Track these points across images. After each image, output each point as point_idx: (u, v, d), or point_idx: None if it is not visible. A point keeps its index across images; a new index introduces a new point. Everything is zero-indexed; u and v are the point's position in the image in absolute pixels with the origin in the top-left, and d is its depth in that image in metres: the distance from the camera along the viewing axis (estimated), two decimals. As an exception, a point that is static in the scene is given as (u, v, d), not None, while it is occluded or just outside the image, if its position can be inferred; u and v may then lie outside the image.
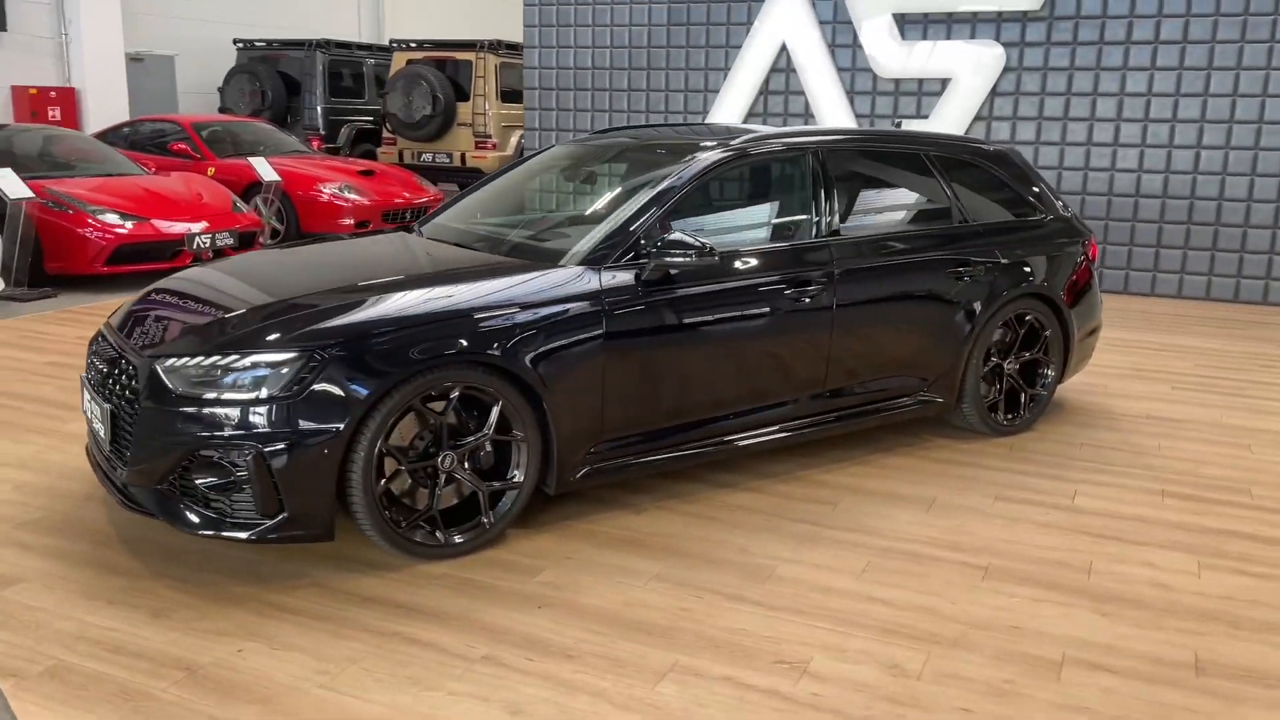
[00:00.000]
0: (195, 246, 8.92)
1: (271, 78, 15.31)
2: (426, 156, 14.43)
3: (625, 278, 3.90)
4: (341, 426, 3.28)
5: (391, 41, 15.28)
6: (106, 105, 14.61)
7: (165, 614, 3.17)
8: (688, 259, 3.92)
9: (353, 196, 11.02)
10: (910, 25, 9.93)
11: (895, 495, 4.32)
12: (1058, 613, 3.34)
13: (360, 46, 16.17)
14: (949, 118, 9.84)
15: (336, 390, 3.29)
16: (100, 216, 8.58)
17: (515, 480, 3.70)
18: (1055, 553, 3.80)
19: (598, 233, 4.02)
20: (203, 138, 11.75)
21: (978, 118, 9.80)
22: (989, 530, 3.99)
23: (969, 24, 9.73)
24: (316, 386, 3.28)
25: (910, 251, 4.71)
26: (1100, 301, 5.58)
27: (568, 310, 3.73)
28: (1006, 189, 5.25)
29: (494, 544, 3.70)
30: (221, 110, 15.58)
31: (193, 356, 3.37)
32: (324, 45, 15.46)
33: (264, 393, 3.27)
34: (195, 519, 3.34)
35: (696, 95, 10.90)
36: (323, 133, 15.36)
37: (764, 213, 4.92)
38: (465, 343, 3.49)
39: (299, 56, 15.47)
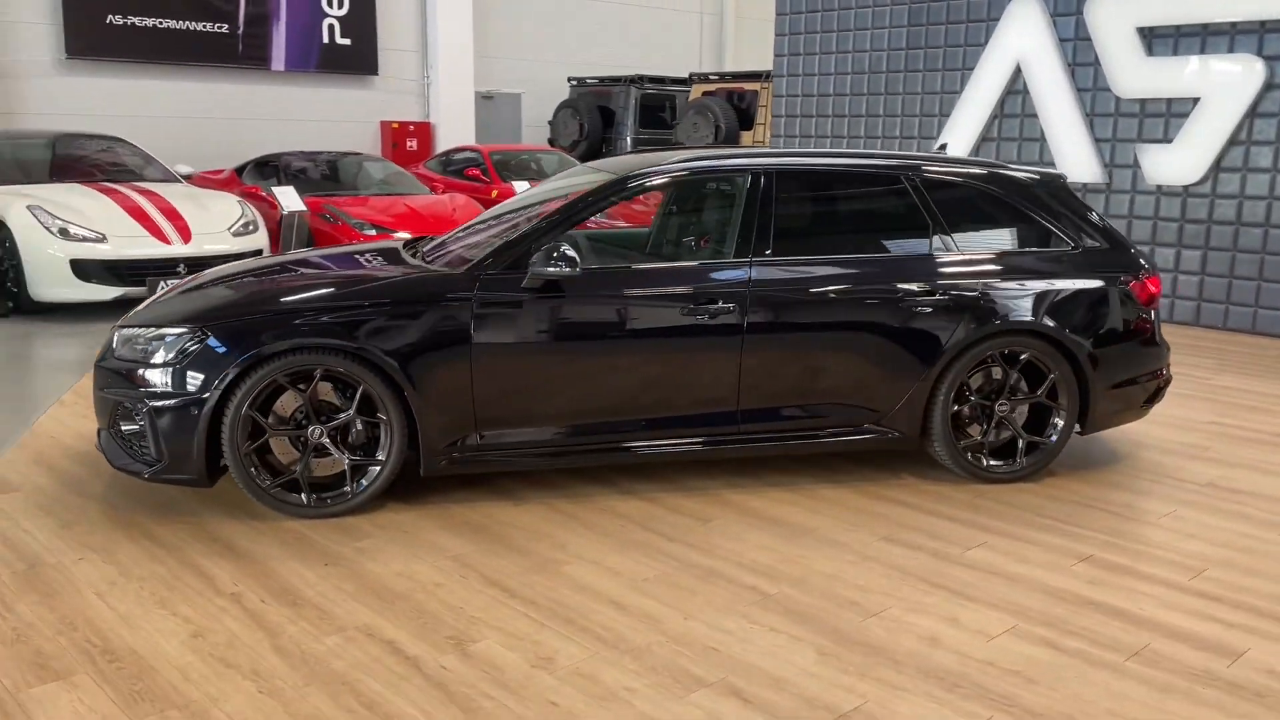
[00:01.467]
0: (433, 257, 10.24)
1: (590, 111, 16.79)
2: (712, 183, 15.05)
3: (504, 285, 4.23)
4: (207, 392, 3.98)
5: (690, 75, 16.15)
6: (456, 137, 16.86)
7: (70, 525, 4.05)
8: (560, 270, 4.18)
9: (600, 217, 11.91)
10: (1159, 39, 8.95)
11: (777, 521, 4.23)
12: (776, 645, 3.22)
13: (673, 81, 17.19)
14: (1196, 141, 8.75)
15: (207, 361, 4.00)
16: (361, 229, 10.16)
17: (378, 458, 4.20)
18: (861, 594, 3.58)
19: (497, 244, 4.40)
20: (510, 166, 13.35)
21: (1233, 141, 8.60)
22: (827, 566, 3.82)
23: (1226, 36, 8.58)
24: (194, 357, 4.01)
25: (851, 277, 4.54)
26: (1157, 347, 4.91)
27: (433, 310, 4.15)
28: (1022, 217, 4.82)
29: (360, 511, 4.21)
30: (550, 141, 17.33)
31: (131, 328, 4.24)
32: (638, 81, 16.68)
33: (159, 359, 4.06)
34: (116, 457, 4.20)
35: (930, 120, 10.55)
36: (631, 161, 16.54)
37: (687, 232, 4.97)
38: (322, 331, 4.05)
39: (617, 91, 16.82)
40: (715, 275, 4.45)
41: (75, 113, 13.48)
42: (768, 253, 4.50)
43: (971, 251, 4.71)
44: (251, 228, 9.30)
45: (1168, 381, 5.02)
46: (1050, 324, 4.63)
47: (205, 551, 3.84)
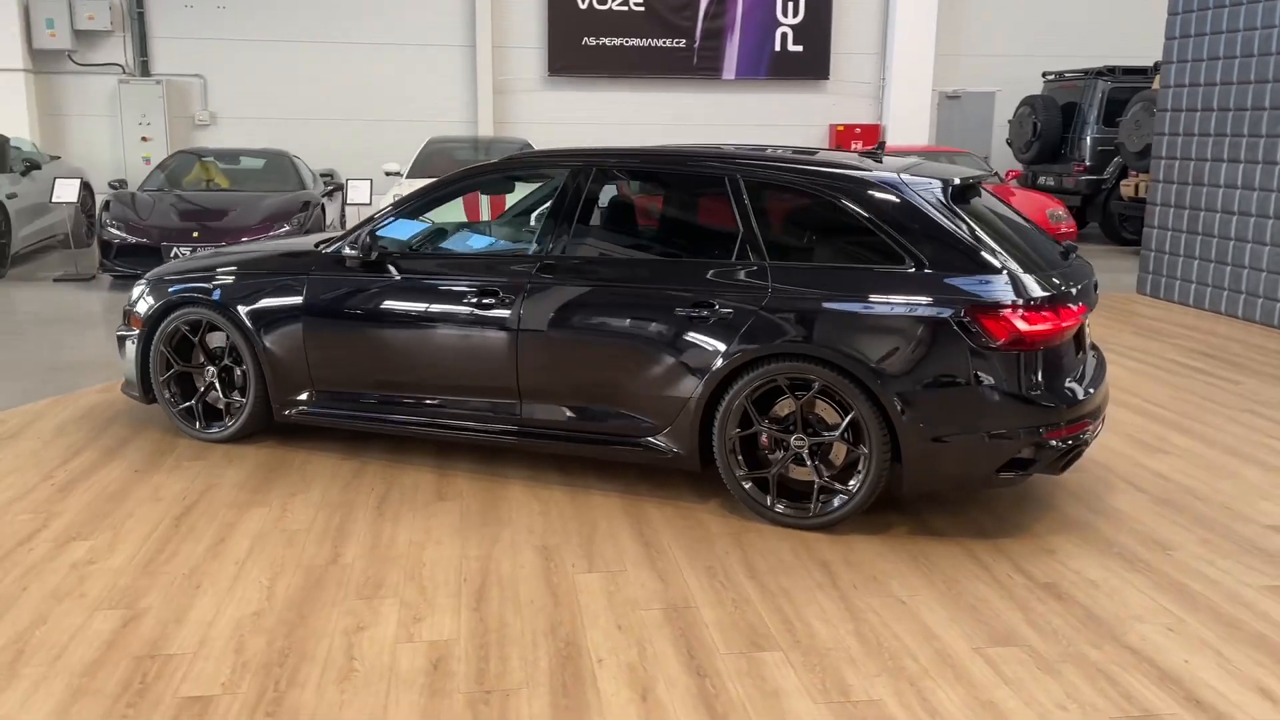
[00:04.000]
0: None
1: (1047, 109, 15.30)
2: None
3: (332, 265, 4.85)
4: (138, 330, 5.22)
5: (1155, 63, 13.90)
6: (907, 137, 16.59)
7: (79, 419, 5.57)
8: (354, 254, 4.70)
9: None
10: None
11: (498, 514, 4.29)
12: (245, 598, 3.52)
13: (1156, 71, 14.90)
14: None
15: (142, 307, 5.24)
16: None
17: (242, 401, 5.09)
18: (401, 581, 3.64)
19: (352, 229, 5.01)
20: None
21: None
22: (435, 555, 3.89)
23: None
24: (140, 303, 5.28)
25: (629, 279, 4.29)
26: (1027, 402, 3.82)
27: (274, 281, 4.93)
28: (860, 229, 4.06)
29: (237, 440, 5.13)
30: (1007, 143, 16.15)
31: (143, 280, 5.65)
32: (1107, 72, 14.81)
33: (132, 302, 5.40)
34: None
35: (1316, 113, 8.21)
36: (1088, 164, 14.85)
37: (519, 225, 4.94)
38: (201, 289, 5.05)
39: (1084, 85, 15.12)
40: (500, 268, 4.56)
41: (553, 122, 16.03)
42: (557, 250, 4.48)
43: (774, 262, 4.14)
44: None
45: (1056, 450, 3.87)
46: (840, 351, 3.92)
47: (102, 448, 5.09)
